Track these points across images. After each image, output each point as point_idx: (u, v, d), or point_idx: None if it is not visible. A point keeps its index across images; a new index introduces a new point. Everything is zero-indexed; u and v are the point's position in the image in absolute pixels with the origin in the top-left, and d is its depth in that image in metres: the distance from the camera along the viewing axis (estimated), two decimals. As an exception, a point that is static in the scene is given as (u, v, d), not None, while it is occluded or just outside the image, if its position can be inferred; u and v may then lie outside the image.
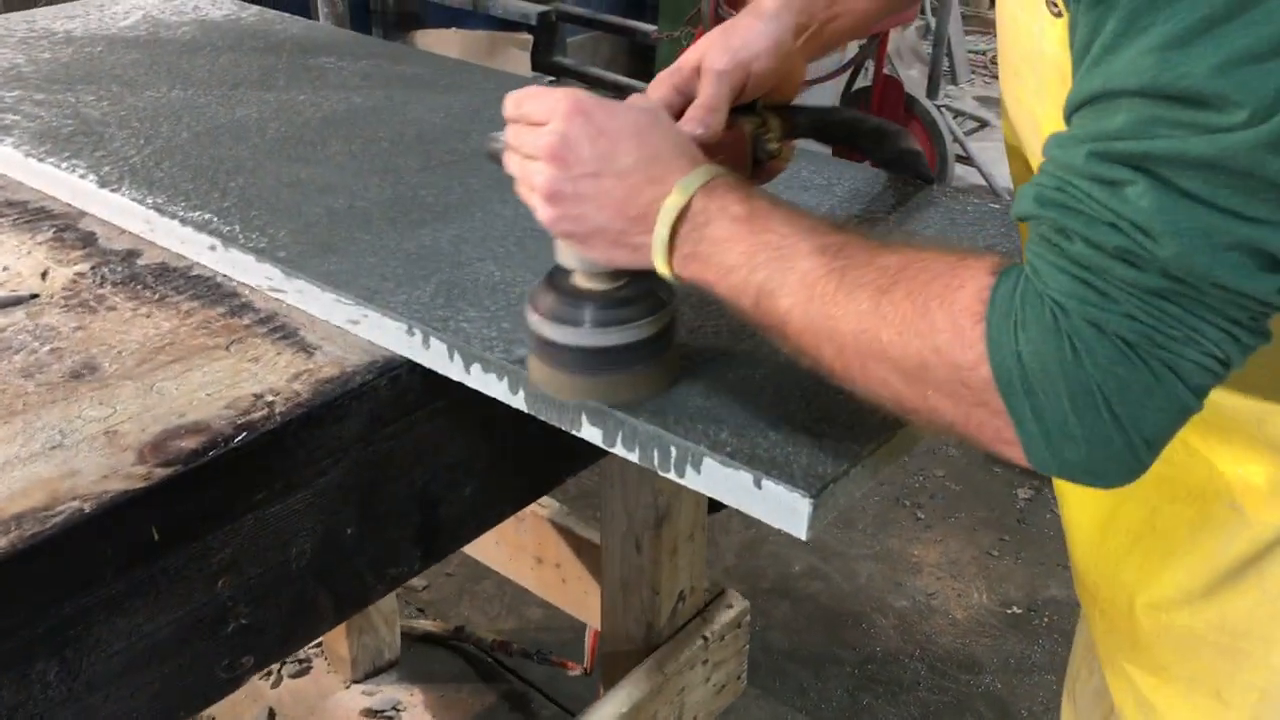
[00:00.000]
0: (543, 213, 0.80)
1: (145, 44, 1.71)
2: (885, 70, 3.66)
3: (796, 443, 0.84)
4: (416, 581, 2.44)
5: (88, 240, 1.23)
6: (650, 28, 3.65)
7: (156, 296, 1.12)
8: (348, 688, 2.16)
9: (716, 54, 0.90)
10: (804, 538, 0.81)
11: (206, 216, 1.17)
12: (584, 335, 0.85)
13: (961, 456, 2.85)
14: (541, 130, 0.78)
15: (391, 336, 1.02)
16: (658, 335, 0.86)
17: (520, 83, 1.61)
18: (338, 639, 2.13)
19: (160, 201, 1.20)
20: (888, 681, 2.21)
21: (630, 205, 0.77)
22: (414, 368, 1.02)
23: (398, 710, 2.11)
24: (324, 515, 0.99)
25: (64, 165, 1.29)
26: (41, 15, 1.84)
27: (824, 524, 0.83)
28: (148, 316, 1.08)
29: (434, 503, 1.09)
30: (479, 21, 4.16)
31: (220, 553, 0.92)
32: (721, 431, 0.86)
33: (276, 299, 1.11)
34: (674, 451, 0.86)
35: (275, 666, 2.19)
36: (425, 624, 2.27)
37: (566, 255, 0.84)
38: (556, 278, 0.86)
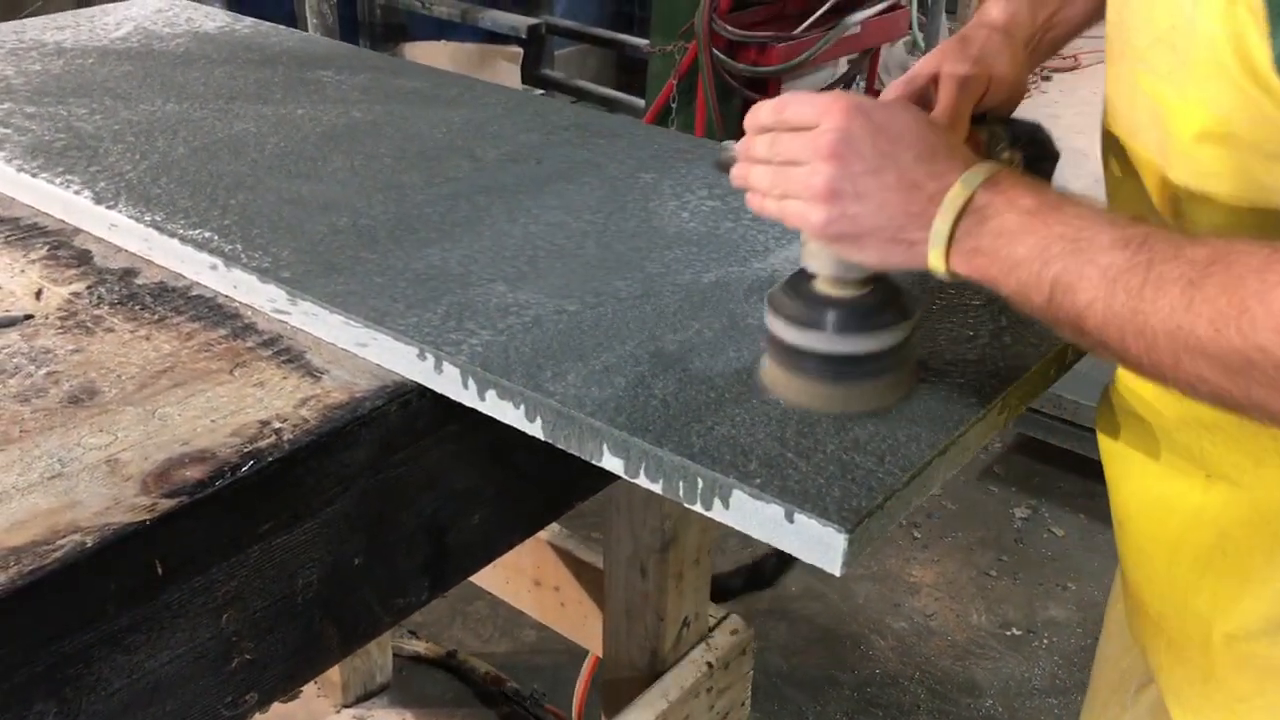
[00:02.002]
0: (815, 214, 0.78)
1: (138, 56, 1.67)
2: (875, 85, 3.66)
3: (828, 474, 0.82)
4: (408, 603, 2.39)
5: (83, 258, 1.19)
6: (642, 41, 3.63)
7: (156, 317, 1.08)
8: (338, 712, 2.11)
9: (957, 62, 0.91)
10: (837, 573, 0.79)
11: (207, 235, 1.14)
12: (830, 342, 0.84)
13: (959, 474, 2.83)
14: (815, 132, 0.77)
15: (402, 360, 0.99)
16: (904, 343, 0.85)
17: (517, 97, 1.58)
18: (329, 662, 2.08)
19: (159, 219, 1.17)
20: (888, 705, 2.18)
21: (912, 201, 0.76)
22: (424, 393, 0.99)
23: (390, 734, 2.07)
24: (332, 545, 0.96)
25: (57, 181, 1.25)
26: (31, 26, 1.80)
27: (858, 558, 0.80)
28: (147, 339, 1.05)
29: (443, 531, 1.06)
30: (467, 33, 4.14)
31: (225, 586, 0.89)
32: (750, 462, 0.83)
33: (281, 320, 1.07)
34: (700, 483, 0.83)
35: (264, 690, 2.15)
36: (417, 646, 2.23)
37: (820, 260, 0.83)
38: (800, 283, 0.85)
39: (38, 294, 1.12)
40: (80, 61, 1.64)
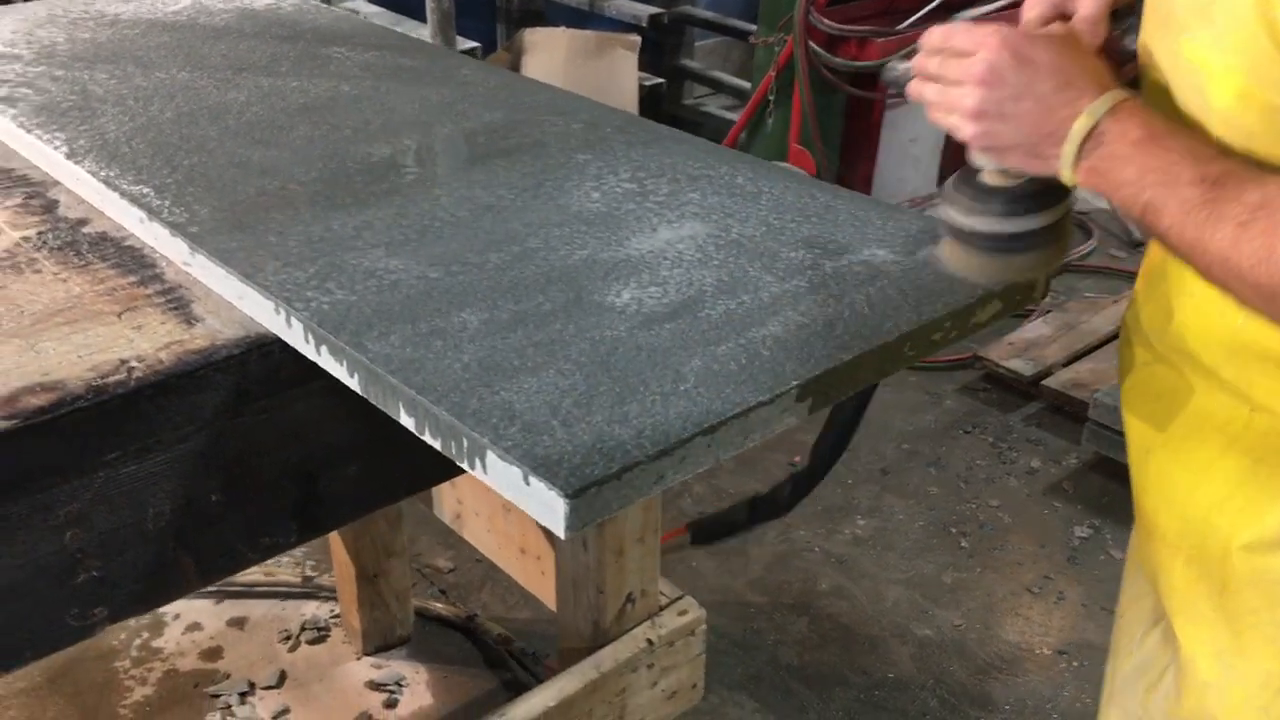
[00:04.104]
0: (967, 129, 0.92)
1: (180, 28, 1.80)
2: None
3: (579, 443, 0.84)
4: (442, 564, 2.49)
5: (49, 207, 1.30)
6: (752, 27, 3.63)
7: (83, 263, 1.18)
8: (359, 659, 2.22)
9: None
10: (562, 536, 0.81)
11: (145, 191, 1.23)
12: (996, 223, 0.99)
13: (1022, 488, 2.75)
14: (971, 60, 0.91)
15: (265, 313, 1.05)
16: (1058, 222, 0.99)
17: (505, 79, 1.63)
18: (351, 612, 2.19)
19: (113, 175, 1.27)
20: (893, 710, 2.15)
21: (1045, 124, 0.89)
22: (287, 345, 1.05)
23: (400, 685, 2.17)
24: (184, 480, 1.04)
25: (45, 136, 1.37)
26: (102, -2, 1.96)
27: (591, 524, 0.83)
28: (64, 281, 1.15)
29: (312, 478, 1.12)
30: (599, 22, 4.22)
31: (67, 506, 0.97)
32: (512, 426, 0.86)
33: (186, 272, 1.16)
34: (466, 443, 0.87)
35: (295, 631, 2.28)
36: (439, 606, 2.32)
37: (980, 158, 0.98)
38: (969, 175, 1.00)
39: (-6, 237, 1.24)
40: (127, 32, 1.78)
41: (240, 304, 1.09)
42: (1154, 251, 1.06)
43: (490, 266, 1.09)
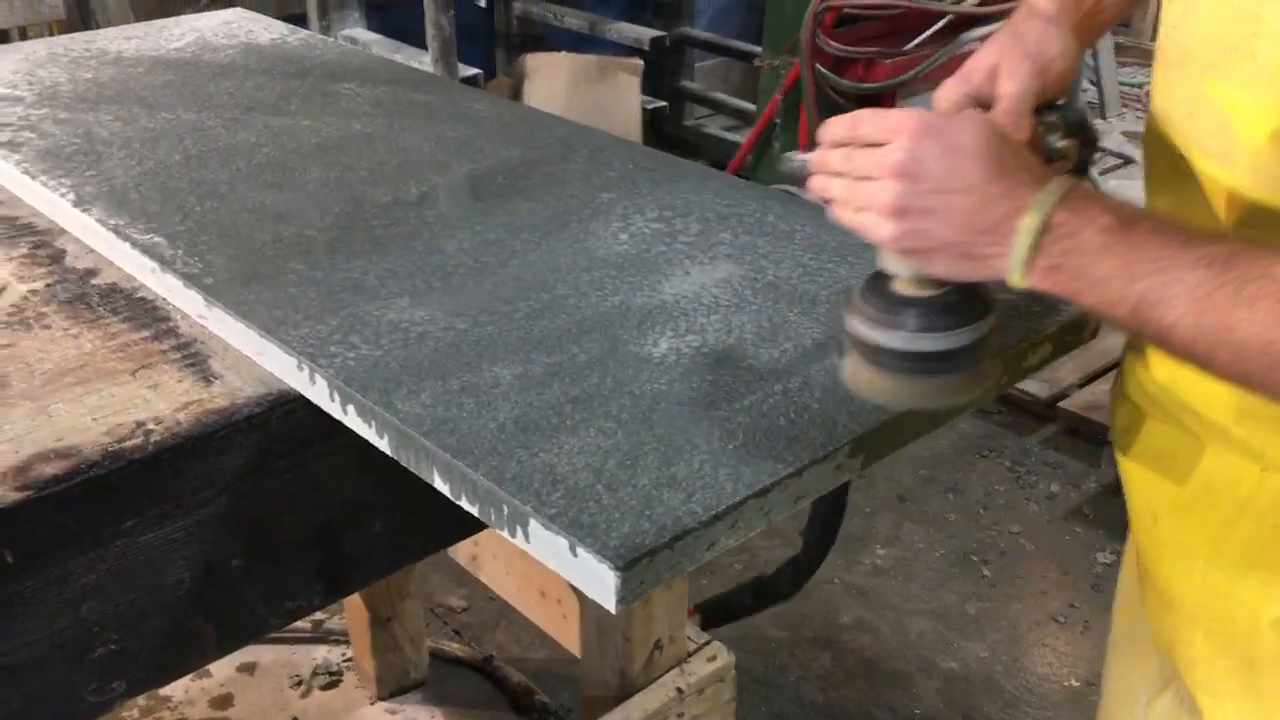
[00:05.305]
0: (884, 229, 0.80)
1: (184, 66, 1.76)
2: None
3: (627, 509, 0.80)
4: (455, 603, 2.44)
5: (56, 258, 1.26)
6: (752, 48, 3.60)
7: (93, 317, 1.14)
8: (373, 704, 2.17)
9: (1015, 59, 0.92)
10: (613, 610, 0.77)
11: (157, 240, 1.19)
12: (909, 340, 0.86)
13: (1042, 513, 2.71)
14: (885, 149, 0.80)
15: (287, 370, 1.01)
16: (983, 339, 0.87)
17: (519, 113, 1.60)
18: (365, 656, 2.14)
19: (122, 223, 1.23)
20: (922, 747, 2.11)
21: (980, 219, 0.78)
22: (309, 402, 1.01)
23: (417, 731, 2.12)
24: (205, 546, 0.99)
25: (51, 183, 1.33)
26: (104, 35, 1.92)
27: (642, 596, 0.78)
28: (75, 337, 1.10)
29: (336, 538, 1.08)
30: (600, 45, 4.19)
31: (84, 578, 0.93)
32: (555, 492, 0.82)
33: (202, 325, 1.11)
34: (506, 510, 0.82)
35: (306, 676, 2.23)
36: (455, 648, 2.27)
37: (894, 263, 0.85)
38: (879, 283, 0.87)
39: (0, 290, 1.19)
40: (130, 70, 1.74)
41: (260, 360, 1.04)
42: None
43: (519, 316, 1.05)
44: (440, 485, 0.88)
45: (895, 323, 0.85)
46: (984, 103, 0.92)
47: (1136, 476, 1.01)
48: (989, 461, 2.91)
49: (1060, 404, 2.99)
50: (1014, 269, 0.77)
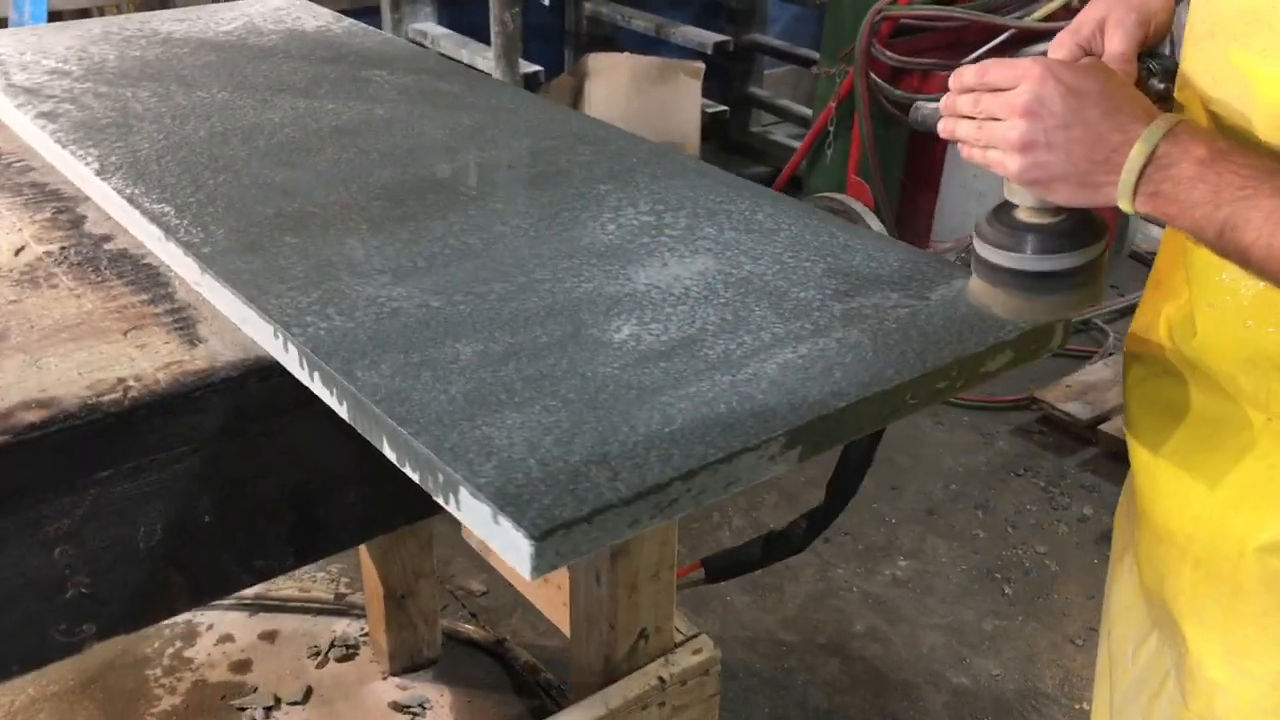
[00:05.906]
0: (1013, 163, 0.92)
1: (228, 48, 1.82)
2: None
3: (554, 482, 0.82)
4: (475, 586, 2.49)
5: (76, 223, 1.32)
6: (815, 54, 3.61)
7: (99, 279, 1.20)
8: (385, 679, 2.22)
9: (1122, 10, 1.03)
10: (528, 578, 0.80)
11: (166, 209, 1.24)
12: (1030, 261, 1.00)
13: (1072, 535, 2.68)
14: (1013, 92, 0.91)
15: (265, 337, 1.05)
16: (1093, 262, 1.00)
17: (537, 106, 1.63)
18: (379, 631, 2.20)
19: (137, 192, 1.28)
20: (922, 759, 2.10)
21: (1097, 151, 0.89)
22: (286, 371, 1.05)
23: (424, 708, 2.16)
24: (177, 500, 1.04)
25: (79, 152, 1.39)
26: (159, 17, 1.99)
27: (558, 567, 0.81)
28: (79, 297, 1.16)
29: (309, 503, 1.12)
30: (666, 48, 4.22)
31: (56, 522, 0.98)
32: (488, 463, 0.85)
33: (198, 292, 1.16)
34: (441, 478, 0.86)
35: (324, 647, 2.29)
36: (468, 629, 2.31)
37: (1018, 194, 0.99)
38: (1003, 212, 1.02)
39: (18, 250, 1.25)
40: (176, 50, 1.81)
41: (244, 327, 1.09)
42: (1165, 271, 1.06)
43: (493, 297, 1.08)
44: (388, 452, 0.91)
45: (1017, 245, 1.00)
46: (1092, 53, 1.03)
47: (1144, 423, 1.10)
48: (1023, 480, 2.88)
49: (1101, 426, 2.95)
50: (1123, 195, 0.88)
